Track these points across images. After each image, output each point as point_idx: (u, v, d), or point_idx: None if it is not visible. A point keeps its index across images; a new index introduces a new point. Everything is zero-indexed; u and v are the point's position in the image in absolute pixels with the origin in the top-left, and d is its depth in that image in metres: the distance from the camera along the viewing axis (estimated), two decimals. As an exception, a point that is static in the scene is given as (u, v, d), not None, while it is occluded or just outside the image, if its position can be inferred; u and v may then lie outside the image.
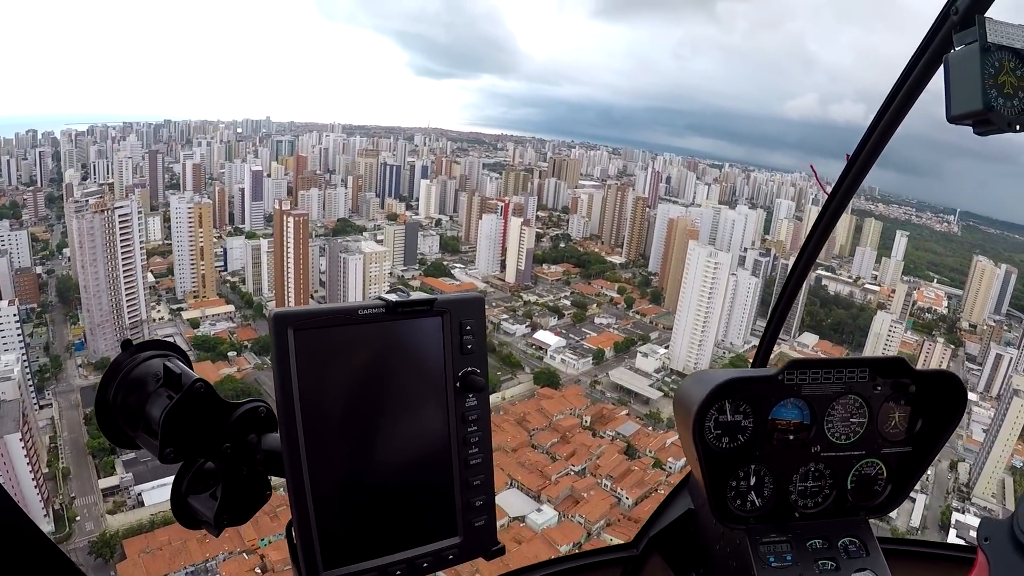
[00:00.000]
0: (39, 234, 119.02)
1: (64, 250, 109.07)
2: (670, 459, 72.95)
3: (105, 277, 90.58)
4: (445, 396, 1.73)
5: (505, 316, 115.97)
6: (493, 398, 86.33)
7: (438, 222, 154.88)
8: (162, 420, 1.57)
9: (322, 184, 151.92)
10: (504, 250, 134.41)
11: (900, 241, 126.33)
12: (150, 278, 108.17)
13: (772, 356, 4.19)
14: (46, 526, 59.29)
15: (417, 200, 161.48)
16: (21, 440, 58.98)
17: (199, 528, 1.70)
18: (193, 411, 1.62)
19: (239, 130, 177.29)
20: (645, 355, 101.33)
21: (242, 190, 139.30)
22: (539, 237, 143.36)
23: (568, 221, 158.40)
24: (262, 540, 55.18)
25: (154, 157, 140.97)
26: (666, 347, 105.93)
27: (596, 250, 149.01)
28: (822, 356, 3.08)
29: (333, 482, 1.61)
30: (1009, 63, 1.76)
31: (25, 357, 77.80)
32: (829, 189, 3.64)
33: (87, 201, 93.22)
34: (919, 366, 3.20)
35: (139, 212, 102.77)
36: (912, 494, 61.51)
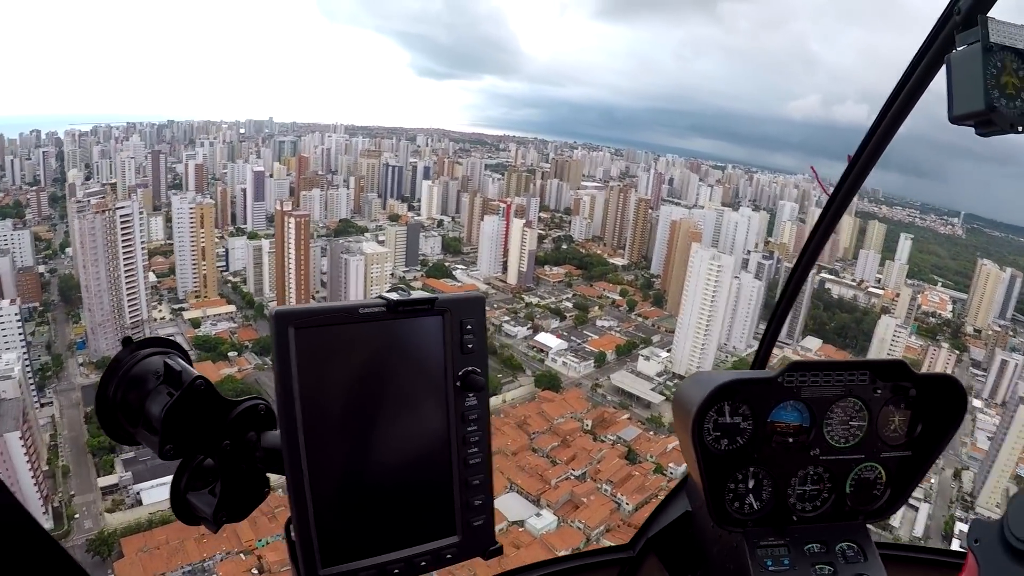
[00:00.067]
0: (42, 233, 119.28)
1: (67, 249, 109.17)
2: (671, 464, 72.50)
3: (106, 277, 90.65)
4: (445, 395, 1.73)
5: (506, 318, 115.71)
6: (494, 401, 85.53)
7: (440, 223, 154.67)
8: (162, 417, 1.57)
9: (324, 185, 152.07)
10: (506, 251, 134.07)
11: (904, 244, 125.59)
12: (152, 278, 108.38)
13: (776, 360, 4.14)
14: (45, 524, 58.31)
15: (419, 201, 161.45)
16: (21, 438, 59.12)
17: (198, 524, 1.70)
18: (193, 408, 1.62)
19: (242, 130, 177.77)
20: (647, 358, 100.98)
21: (244, 190, 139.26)
22: (541, 238, 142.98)
23: (570, 222, 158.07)
24: (260, 541, 55.22)
25: (157, 157, 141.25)
26: (668, 350, 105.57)
27: (598, 252, 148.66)
28: (822, 359, 3.01)
29: (332, 480, 1.61)
30: (1011, 63, 1.75)
31: (26, 356, 78.02)
32: (830, 190, 3.64)
33: (89, 201, 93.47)
34: (923, 371, 2.89)
35: (141, 212, 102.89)
36: (915, 503, 61.42)
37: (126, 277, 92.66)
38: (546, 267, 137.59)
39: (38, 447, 65.43)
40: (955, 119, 1.79)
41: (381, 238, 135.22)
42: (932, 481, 74.23)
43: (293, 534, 1.62)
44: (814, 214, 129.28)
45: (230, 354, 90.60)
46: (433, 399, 1.73)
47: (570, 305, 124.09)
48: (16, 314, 79.54)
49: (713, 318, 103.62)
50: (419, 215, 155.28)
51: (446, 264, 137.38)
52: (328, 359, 1.59)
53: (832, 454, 2.89)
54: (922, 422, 2.91)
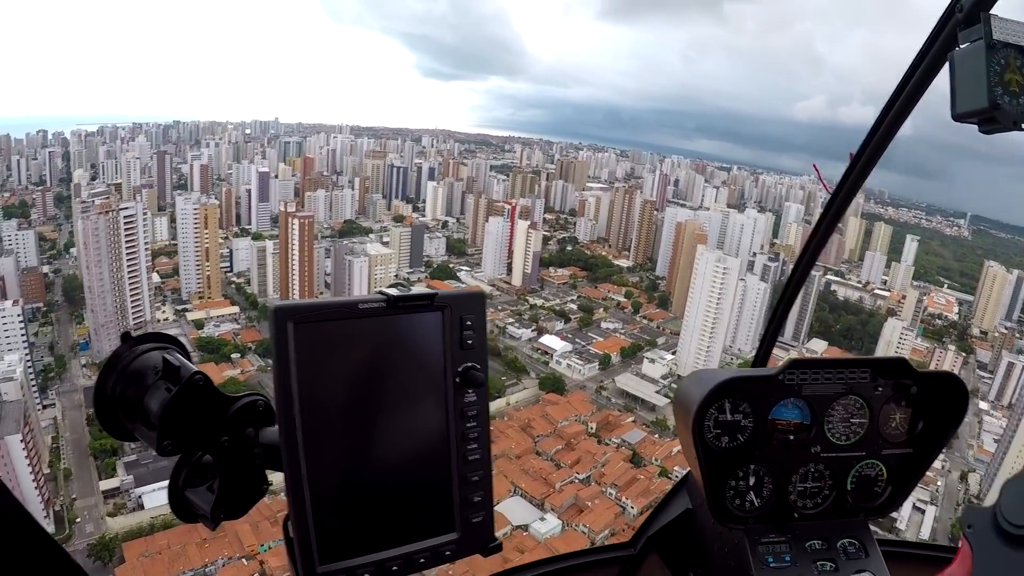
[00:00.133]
0: (47, 233, 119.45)
1: (71, 249, 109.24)
2: (676, 468, 71.81)
3: (110, 278, 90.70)
4: (444, 391, 1.73)
5: (511, 320, 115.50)
6: (498, 403, 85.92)
7: (445, 224, 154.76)
8: (160, 413, 1.57)
9: (329, 185, 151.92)
10: (510, 253, 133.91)
11: (910, 246, 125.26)
12: (156, 278, 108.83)
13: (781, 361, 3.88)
14: (46, 527, 58.87)
15: (424, 202, 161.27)
16: (22, 441, 58.91)
17: (196, 521, 1.69)
18: (191, 404, 1.61)
19: (247, 131, 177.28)
20: (652, 361, 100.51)
21: (249, 191, 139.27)
22: (546, 240, 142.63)
23: (575, 224, 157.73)
24: (262, 546, 54.99)
25: (162, 158, 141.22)
26: (673, 353, 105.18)
27: (603, 253, 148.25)
28: (823, 356, 2.99)
29: (330, 476, 1.60)
30: (1015, 61, 1.75)
31: (29, 357, 77.81)
32: (832, 188, 3.65)
33: (93, 202, 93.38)
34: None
35: (145, 213, 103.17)
36: (922, 506, 61.16)
37: (129, 278, 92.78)
38: (551, 269, 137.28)
39: (39, 450, 65.20)
40: (958, 116, 1.79)
41: (385, 239, 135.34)
42: (939, 484, 74.01)
43: (291, 531, 1.61)
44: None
45: (233, 356, 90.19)
46: (432, 395, 1.72)
47: (575, 307, 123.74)
48: (19, 315, 79.28)
49: (718, 320, 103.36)
50: (424, 216, 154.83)
51: (451, 265, 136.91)
52: (327, 355, 1.57)
53: (833, 451, 2.89)
54: (923, 420, 2.91)
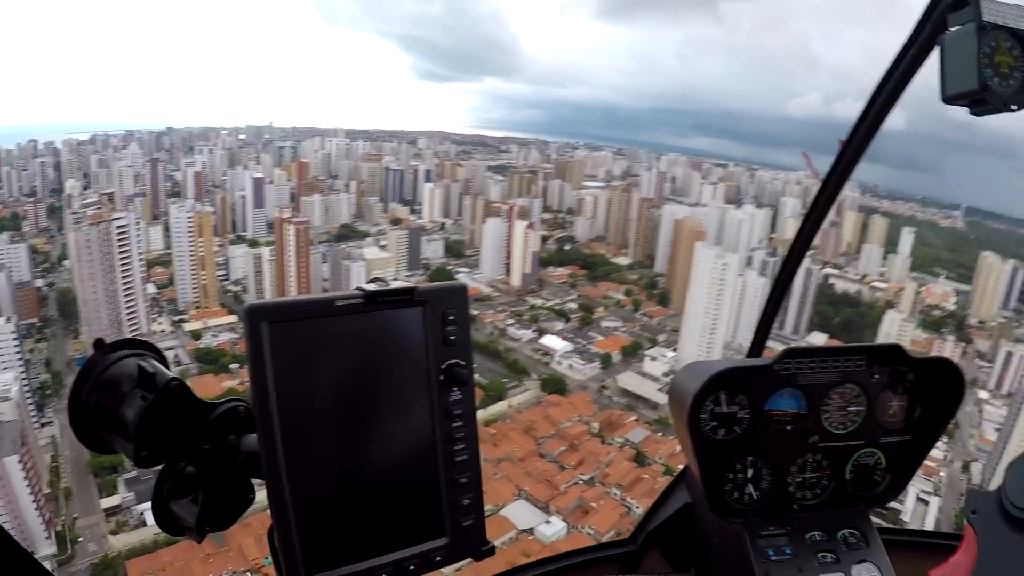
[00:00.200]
0: (40, 246, 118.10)
1: (65, 262, 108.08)
2: (680, 466, 71.30)
3: (104, 290, 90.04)
4: (428, 390, 1.69)
5: (511, 321, 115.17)
6: (499, 406, 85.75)
7: (442, 226, 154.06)
8: (137, 422, 1.53)
9: (325, 190, 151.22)
10: (509, 254, 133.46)
11: (906, 238, 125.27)
12: (152, 289, 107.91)
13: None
14: (48, 548, 58.87)
15: (421, 204, 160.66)
16: (20, 462, 58.03)
17: (182, 535, 1.65)
18: (169, 412, 1.57)
19: (242, 136, 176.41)
20: (653, 359, 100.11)
21: (244, 197, 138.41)
22: (544, 239, 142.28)
23: (573, 223, 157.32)
24: (266, 559, 54.09)
25: (155, 165, 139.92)
26: (674, 350, 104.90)
27: (602, 252, 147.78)
28: (818, 345, 3.14)
29: (313, 483, 1.56)
30: (1005, 43, 1.73)
31: (25, 375, 77.07)
32: (822, 177, 3.72)
33: (84, 213, 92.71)
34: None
35: (138, 222, 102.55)
36: (925, 497, 61.19)
37: (124, 290, 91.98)
38: (550, 268, 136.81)
39: (39, 470, 64.56)
40: (948, 99, 1.78)
41: (383, 243, 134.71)
42: (942, 474, 74.06)
43: (276, 541, 1.57)
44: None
45: (231, 366, 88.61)
46: (416, 394, 1.68)
47: (575, 306, 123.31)
48: (12, 332, 78.27)
49: (719, 316, 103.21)
50: (421, 219, 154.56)
51: (449, 268, 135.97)
52: (304, 355, 1.53)
53: (831, 441, 2.88)
54: (920, 406, 2.89)
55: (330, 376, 1.56)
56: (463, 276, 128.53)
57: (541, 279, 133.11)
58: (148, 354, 1.69)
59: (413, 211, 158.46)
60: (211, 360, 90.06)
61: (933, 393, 2.83)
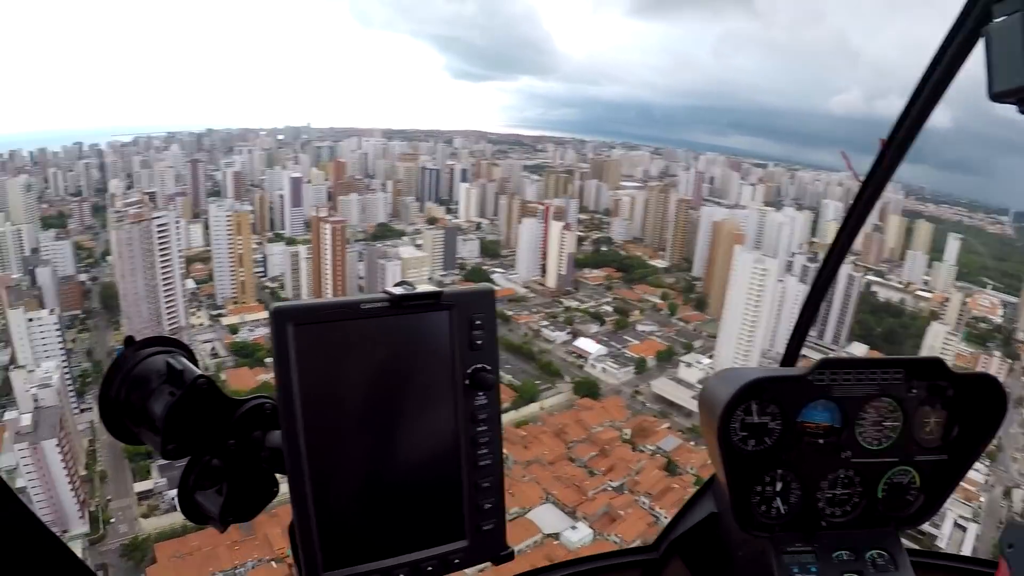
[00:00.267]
0: (85, 242, 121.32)
1: (108, 258, 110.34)
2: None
3: (144, 286, 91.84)
4: (453, 394, 1.67)
5: (545, 322, 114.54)
6: (531, 408, 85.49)
7: (478, 226, 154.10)
8: (164, 417, 1.55)
9: (361, 189, 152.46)
10: (544, 254, 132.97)
11: (952, 244, 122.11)
12: (191, 284, 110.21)
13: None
14: (81, 527, 60.42)
15: (457, 204, 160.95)
16: (58, 445, 59.83)
17: (206, 524, 1.69)
18: (196, 407, 1.60)
19: (280, 137, 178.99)
20: (688, 365, 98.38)
21: (282, 196, 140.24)
22: (580, 240, 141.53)
23: (610, 224, 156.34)
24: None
25: (195, 166, 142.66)
26: (710, 356, 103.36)
27: (639, 254, 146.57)
28: (855, 356, 2.92)
29: (335, 481, 1.57)
30: None
31: (66, 363, 79.42)
32: (863, 178, 3.58)
33: (127, 212, 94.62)
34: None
35: (178, 221, 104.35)
36: (963, 523, 59.51)
37: (164, 285, 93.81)
38: (585, 270, 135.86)
39: (76, 453, 66.32)
40: (995, 96, 1.62)
41: (419, 242, 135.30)
42: (981, 499, 71.33)
43: (296, 537, 1.56)
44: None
45: (267, 360, 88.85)
46: (440, 398, 1.66)
47: (610, 309, 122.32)
48: (55, 323, 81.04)
49: (757, 323, 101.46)
50: (457, 218, 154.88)
51: (484, 268, 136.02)
52: (329, 357, 1.52)
53: (864, 456, 2.78)
54: (959, 424, 2.77)
55: (355, 378, 1.56)
56: (498, 277, 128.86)
57: (577, 281, 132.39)
58: (177, 351, 1.72)
59: (449, 210, 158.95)
60: (247, 354, 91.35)
61: (973, 411, 2.74)
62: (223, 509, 1.63)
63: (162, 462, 66.80)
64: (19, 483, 56.87)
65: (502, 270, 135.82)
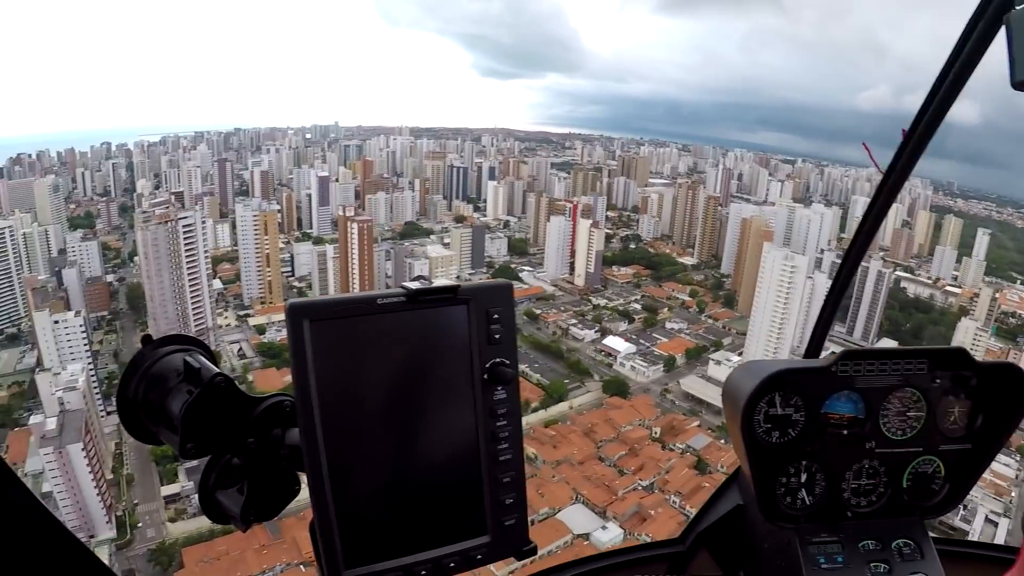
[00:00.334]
0: (112, 243, 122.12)
1: (135, 258, 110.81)
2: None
3: (171, 287, 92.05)
4: (472, 389, 1.67)
5: (574, 321, 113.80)
6: (560, 407, 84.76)
7: (506, 224, 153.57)
8: (182, 415, 1.55)
9: (389, 187, 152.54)
10: (573, 252, 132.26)
11: (981, 239, 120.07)
12: (218, 284, 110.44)
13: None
14: (108, 533, 60.18)
15: (485, 202, 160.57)
16: (83, 449, 59.58)
17: (227, 523, 1.69)
18: (214, 406, 1.60)
19: (308, 136, 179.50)
20: (718, 363, 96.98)
21: (309, 196, 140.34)
22: (608, 238, 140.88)
23: (638, 221, 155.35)
24: (319, 553, 54.29)
25: (223, 165, 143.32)
26: (739, 354, 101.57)
27: (667, 251, 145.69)
28: (878, 347, 2.95)
29: (355, 478, 1.56)
30: None
31: (92, 365, 79.43)
32: (884, 168, 3.57)
33: (153, 212, 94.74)
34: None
35: (204, 221, 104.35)
36: (994, 518, 58.46)
37: (190, 286, 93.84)
38: (614, 268, 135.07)
39: (102, 457, 66.25)
40: (1018, 84, 1.58)
41: (446, 240, 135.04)
42: (1013, 494, 69.55)
43: (317, 535, 1.56)
44: (890, 209, 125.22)
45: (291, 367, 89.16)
46: (459, 393, 1.66)
47: (638, 307, 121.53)
48: (81, 325, 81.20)
49: (786, 320, 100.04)
50: (485, 216, 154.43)
51: (512, 266, 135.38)
52: (346, 353, 1.52)
53: (888, 447, 2.81)
54: (983, 413, 2.79)
55: (372, 374, 1.56)
56: (526, 275, 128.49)
57: (605, 278, 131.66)
58: (195, 349, 1.73)
59: (477, 209, 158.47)
60: (274, 354, 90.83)
61: (997, 400, 2.71)
62: (244, 508, 1.63)
63: (189, 465, 66.47)
64: (45, 488, 56.97)
65: (530, 268, 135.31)
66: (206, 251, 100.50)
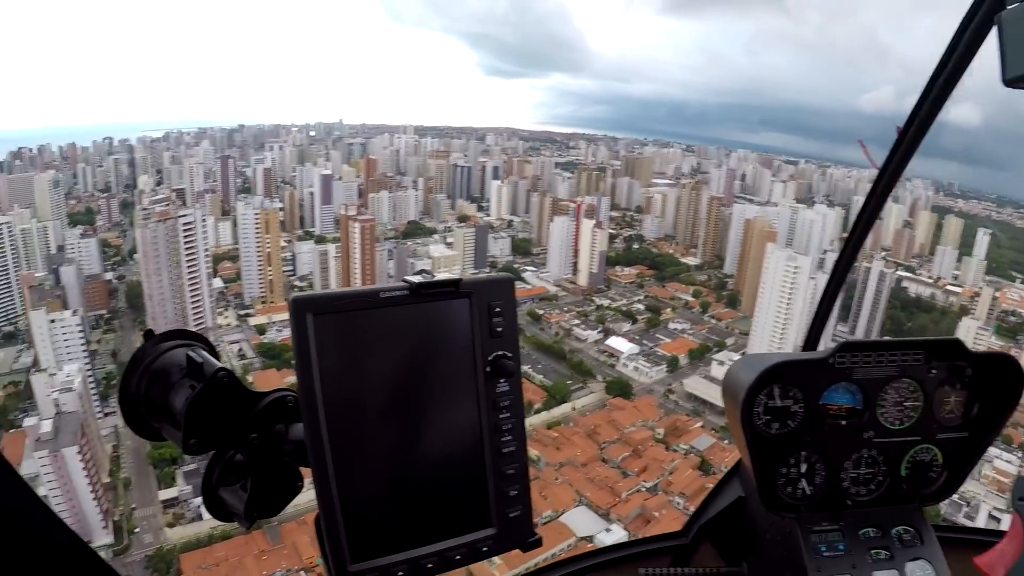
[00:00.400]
0: (112, 240, 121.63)
1: (135, 256, 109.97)
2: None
3: (170, 285, 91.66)
4: (475, 382, 1.68)
5: (577, 321, 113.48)
6: (563, 408, 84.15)
7: (509, 224, 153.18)
8: (185, 411, 1.54)
9: (393, 186, 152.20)
10: (576, 252, 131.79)
11: (981, 239, 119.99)
12: (219, 283, 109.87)
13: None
14: (105, 538, 59.45)
15: (488, 201, 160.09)
16: (79, 452, 58.93)
17: (231, 520, 1.69)
18: (217, 401, 1.59)
19: (312, 133, 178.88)
20: (721, 363, 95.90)
21: (312, 194, 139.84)
22: (612, 238, 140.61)
23: (641, 221, 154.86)
24: (320, 558, 53.58)
25: (226, 162, 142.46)
26: (742, 354, 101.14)
27: (670, 251, 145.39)
28: (874, 339, 3.03)
29: (359, 472, 1.57)
30: None
31: (89, 366, 78.86)
32: (880, 164, 3.62)
33: (153, 209, 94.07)
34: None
35: (204, 219, 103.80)
36: (997, 514, 58.32)
37: (190, 285, 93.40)
38: (617, 268, 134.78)
39: (98, 460, 65.60)
40: (1009, 82, 1.62)
41: (449, 240, 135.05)
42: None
43: (322, 529, 1.56)
44: (891, 210, 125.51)
45: (294, 361, 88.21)
46: (462, 386, 1.67)
47: (642, 307, 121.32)
48: (78, 325, 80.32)
49: (789, 320, 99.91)
50: (488, 216, 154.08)
51: (516, 266, 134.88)
52: (349, 346, 1.53)
53: (886, 436, 2.87)
54: (979, 402, 2.86)
55: (375, 367, 1.57)
56: (529, 275, 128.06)
57: (608, 279, 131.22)
58: (197, 344, 1.71)
59: (480, 208, 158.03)
60: (275, 355, 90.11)
61: (992, 389, 2.77)
62: (248, 505, 1.63)
63: (187, 468, 66.00)
64: (40, 492, 55.85)
65: (533, 268, 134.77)
66: (207, 250, 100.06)
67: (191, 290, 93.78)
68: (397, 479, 1.59)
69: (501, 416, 1.67)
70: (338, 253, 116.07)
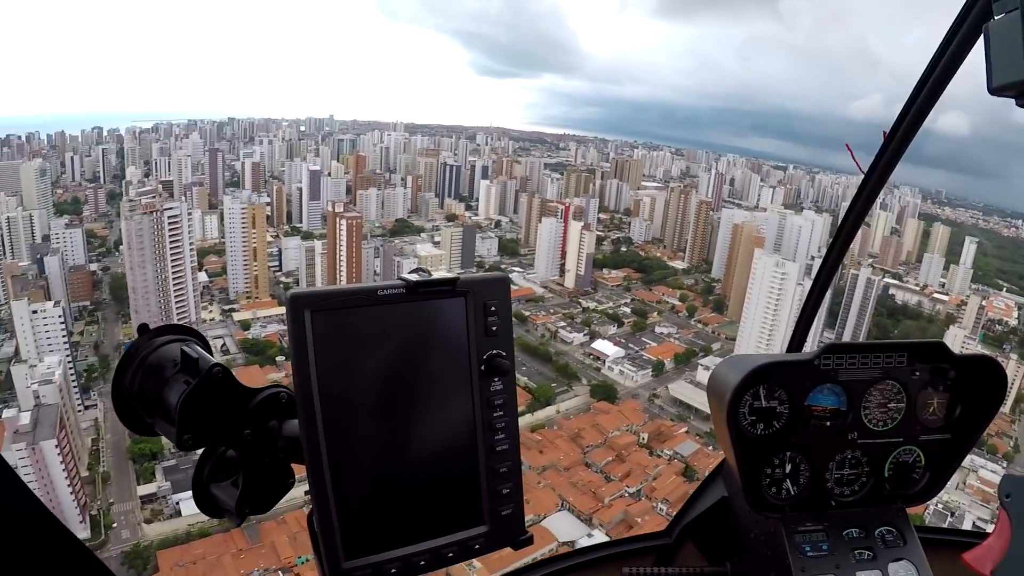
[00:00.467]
0: (98, 230, 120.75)
1: (120, 247, 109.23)
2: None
3: (154, 279, 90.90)
4: (469, 380, 1.68)
5: (563, 323, 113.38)
6: (547, 411, 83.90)
7: (497, 224, 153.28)
8: (179, 406, 1.55)
9: (381, 184, 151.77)
10: (563, 254, 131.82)
11: (969, 248, 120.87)
12: (204, 277, 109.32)
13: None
14: (82, 533, 58.72)
15: (477, 201, 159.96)
16: (57, 446, 58.33)
17: (221, 516, 1.69)
18: (211, 397, 1.59)
19: (302, 128, 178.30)
20: (706, 368, 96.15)
21: (300, 189, 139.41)
22: (600, 240, 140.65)
23: (630, 224, 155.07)
24: (299, 558, 53.26)
25: (215, 155, 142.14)
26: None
27: (658, 255, 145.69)
28: (859, 341, 3.05)
29: (354, 469, 1.57)
30: None
31: (70, 358, 78.20)
32: (866, 168, 3.63)
33: (139, 202, 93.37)
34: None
35: (191, 212, 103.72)
36: (981, 525, 58.69)
37: (174, 278, 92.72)
38: (604, 270, 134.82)
39: (77, 453, 65.05)
40: (994, 90, 1.64)
41: (436, 239, 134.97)
42: None
43: (316, 526, 1.57)
44: (879, 217, 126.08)
45: (278, 358, 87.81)
46: (457, 384, 1.68)
47: (628, 310, 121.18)
48: (59, 316, 79.71)
49: (776, 326, 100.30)
50: (476, 215, 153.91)
51: (503, 266, 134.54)
52: (346, 343, 1.53)
53: (870, 437, 2.86)
54: (961, 404, 2.87)
55: (372, 364, 1.57)
56: (516, 276, 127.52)
57: (595, 281, 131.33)
58: (192, 340, 1.72)
59: (469, 207, 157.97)
60: (258, 351, 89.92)
61: (975, 392, 2.79)
62: (239, 501, 1.63)
63: (167, 464, 65.53)
64: (15, 485, 55.64)
65: (520, 269, 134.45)
66: (192, 243, 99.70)
67: (175, 283, 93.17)
68: (391, 476, 1.59)
69: (495, 415, 1.67)
70: (324, 250, 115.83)
